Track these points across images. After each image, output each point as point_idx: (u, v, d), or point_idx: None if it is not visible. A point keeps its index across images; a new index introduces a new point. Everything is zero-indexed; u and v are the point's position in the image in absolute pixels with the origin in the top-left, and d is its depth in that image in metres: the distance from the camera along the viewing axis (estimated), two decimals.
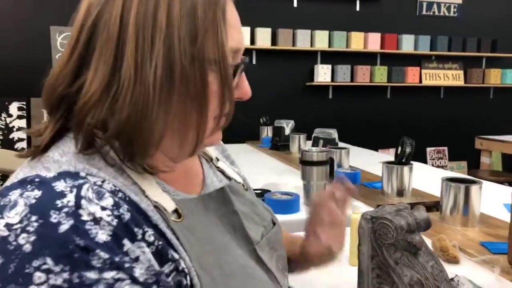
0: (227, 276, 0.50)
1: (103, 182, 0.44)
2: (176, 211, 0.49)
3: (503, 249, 0.96)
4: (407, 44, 4.14)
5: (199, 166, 0.63)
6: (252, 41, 3.78)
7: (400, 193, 1.44)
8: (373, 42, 4.05)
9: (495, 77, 4.42)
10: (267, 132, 3.00)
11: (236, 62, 0.51)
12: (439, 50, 4.25)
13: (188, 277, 0.45)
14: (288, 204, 1.34)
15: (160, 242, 0.44)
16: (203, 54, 0.46)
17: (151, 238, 0.44)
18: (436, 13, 4.35)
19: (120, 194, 0.44)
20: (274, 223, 0.67)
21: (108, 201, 0.42)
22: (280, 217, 1.32)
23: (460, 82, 4.39)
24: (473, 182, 1.20)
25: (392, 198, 1.45)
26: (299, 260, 0.75)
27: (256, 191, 1.47)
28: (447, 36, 4.29)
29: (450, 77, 4.37)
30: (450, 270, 0.90)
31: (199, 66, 0.46)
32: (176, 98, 0.46)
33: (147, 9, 0.44)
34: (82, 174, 0.44)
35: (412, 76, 4.20)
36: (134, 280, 0.40)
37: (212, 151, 0.68)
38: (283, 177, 1.77)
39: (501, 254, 0.94)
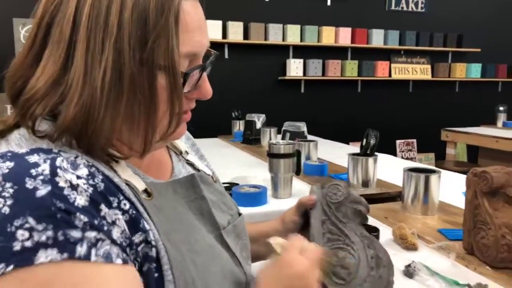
0: (195, 253, 0.51)
1: (76, 157, 0.45)
2: (145, 191, 0.51)
3: (459, 235, 1.00)
4: (377, 38, 4.22)
5: (168, 159, 0.65)
6: (224, 35, 3.77)
7: (365, 183, 1.48)
8: (344, 36, 4.11)
9: (460, 71, 4.56)
10: (239, 126, 3.00)
11: (193, 65, 0.51)
12: (407, 44, 4.35)
13: (154, 250, 0.46)
14: (255, 197, 1.35)
15: (134, 212, 0.46)
16: (152, 59, 0.46)
17: (126, 207, 0.46)
18: (405, 9, 4.44)
19: (93, 169, 0.46)
20: (239, 214, 0.69)
21: (83, 171, 0.44)
22: (248, 210, 1.35)
23: (428, 76, 4.52)
24: (433, 171, 1.23)
25: (357, 188, 1.48)
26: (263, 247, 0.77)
27: (224, 185, 1.48)
28: (415, 31, 4.40)
29: (418, 71, 4.49)
30: (409, 256, 0.93)
31: (148, 72, 0.46)
32: (125, 102, 0.46)
33: (99, 13, 0.44)
34: (55, 150, 0.45)
35: (382, 70, 4.29)
36: (113, 241, 0.42)
37: (181, 145, 0.70)
38: (252, 170, 1.78)
39: (457, 241, 0.98)
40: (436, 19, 4.52)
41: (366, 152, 1.47)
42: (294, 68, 3.99)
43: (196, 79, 0.52)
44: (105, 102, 0.44)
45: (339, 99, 4.32)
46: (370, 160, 1.47)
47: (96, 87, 0.44)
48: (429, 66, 4.52)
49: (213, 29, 3.69)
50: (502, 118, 3.76)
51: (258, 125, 2.59)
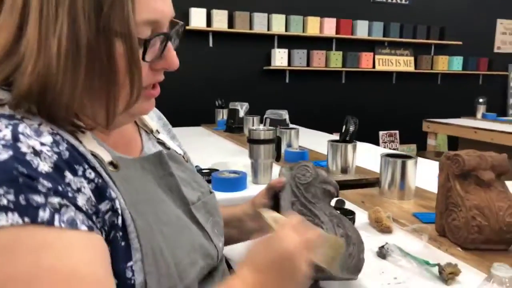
0: (163, 224, 0.51)
1: (40, 124, 0.45)
2: (112, 163, 0.50)
3: (433, 218, 1.02)
4: (361, 29, 4.24)
5: (138, 137, 0.64)
6: (209, 23, 3.73)
7: (344, 170, 1.49)
8: (329, 27, 4.11)
9: (442, 64, 4.62)
10: (222, 115, 2.99)
11: (154, 33, 0.50)
12: (391, 36, 4.38)
13: (121, 218, 0.46)
14: (234, 182, 1.35)
15: (100, 181, 0.46)
16: (108, 27, 0.45)
17: (91, 176, 0.45)
18: (389, 0, 4.46)
19: (58, 137, 0.45)
20: (211, 193, 0.69)
21: (47, 139, 0.43)
22: (227, 195, 1.35)
23: (411, 68, 4.56)
24: (409, 157, 1.25)
25: (336, 175, 1.49)
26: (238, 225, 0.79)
27: (204, 171, 1.47)
28: (399, 23, 4.43)
29: (401, 63, 4.53)
30: (383, 239, 0.94)
31: (105, 40, 0.45)
32: (83, 71, 0.45)
33: None
34: (18, 116, 0.44)
35: (366, 61, 4.31)
36: (78, 208, 0.42)
37: (152, 123, 0.69)
38: (233, 157, 1.77)
39: (430, 224, 1.00)
40: (419, 11, 4.55)
41: (345, 139, 1.49)
42: (279, 58, 3.98)
43: (160, 48, 0.51)
44: (62, 71, 0.43)
45: (324, 89, 4.34)
46: (349, 146, 1.48)
47: (51, 57, 0.43)
48: (412, 58, 4.56)
49: (197, 17, 3.65)
50: (481, 110, 3.83)
51: (241, 113, 2.58)
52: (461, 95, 4.82)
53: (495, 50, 5.06)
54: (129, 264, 0.46)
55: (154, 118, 0.72)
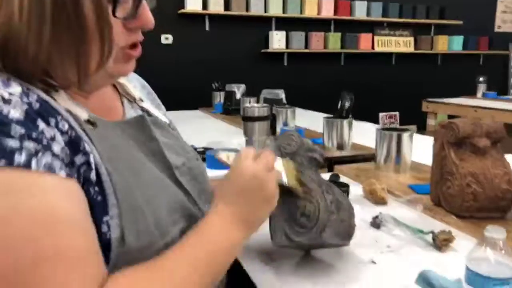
0: (143, 184, 0.50)
1: (8, 78, 0.43)
2: (89, 121, 0.49)
3: (427, 189, 1.00)
4: (360, 10, 4.18)
5: (120, 105, 0.63)
6: (205, 6, 3.68)
7: (340, 146, 1.48)
8: (327, 8, 4.05)
9: (442, 44, 4.57)
10: (219, 98, 2.96)
11: None
12: (390, 17, 4.32)
13: (94, 173, 0.45)
14: None
15: (73, 133, 0.45)
16: None
17: (65, 127, 0.44)
18: None
19: (27, 89, 0.43)
20: (197, 160, 0.67)
21: (16, 89, 0.42)
22: (221, 173, 1.33)
23: (411, 49, 4.51)
24: (405, 130, 1.23)
25: (332, 151, 1.47)
26: None
27: (198, 149, 1.46)
28: (398, 3, 4.36)
29: (401, 43, 4.48)
30: (378, 210, 0.93)
31: None
32: (49, 27, 0.43)
33: None
34: None
35: (365, 42, 4.26)
36: (54, 155, 0.41)
37: (135, 92, 0.67)
38: (229, 138, 1.76)
39: (425, 194, 0.98)
40: None
41: (341, 114, 1.47)
42: (277, 40, 3.93)
43: (133, 6, 0.49)
44: (26, 24, 0.42)
45: (322, 72, 4.30)
46: (345, 122, 1.47)
47: (13, 12, 0.42)
48: (412, 39, 4.51)
49: (193, 0, 3.60)
50: (482, 89, 3.79)
51: (238, 95, 2.56)
52: (461, 76, 4.77)
53: (496, 29, 4.99)
54: (105, 218, 0.45)
55: (137, 87, 0.70)
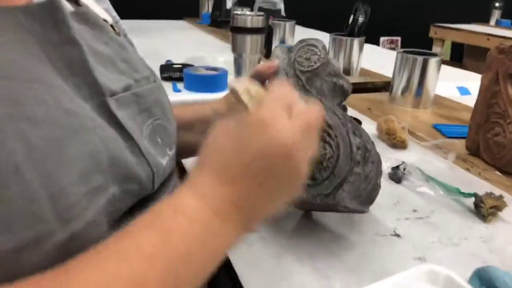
0: (31, 122, 0.27)
1: None
2: None
3: (460, 132, 0.80)
4: None
5: None
6: None
7: (347, 71, 1.23)
8: None
9: None
10: (208, 7, 2.60)
11: None
12: None
13: None
14: (212, 81, 1.09)
15: None
16: None
17: None
18: None
19: None
20: (154, 82, 0.44)
21: None
22: (202, 96, 1.09)
23: None
24: (433, 55, 0.99)
25: None
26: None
27: (175, 66, 1.20)
28: None
29: None
30: (396, 156, 0.73)
31: None
32: None
33: None
34: None
35: None
36: None
37: None
38: (214, 53, 1.49)
39: (457, 138, 0.78)
40: None
41: (352, 31, 1.20)
42: None
43: None
44: None
45: None
46: (356, 42, 1.21)
47: None
48: None
49: None
50: (496, 15, 3.46)
51: (229, 4, 2.21)
52: (474, 0, 4.37)
53: None
54: None
55: None
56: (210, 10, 2.56)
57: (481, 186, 0.65)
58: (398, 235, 0.53)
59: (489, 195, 0.57)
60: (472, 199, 0.58)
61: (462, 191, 0.60)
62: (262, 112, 0.31)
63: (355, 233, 0.53)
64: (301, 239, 0.51)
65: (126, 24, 0.52)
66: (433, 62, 0.96)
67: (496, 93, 0.67)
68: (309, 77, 0.47)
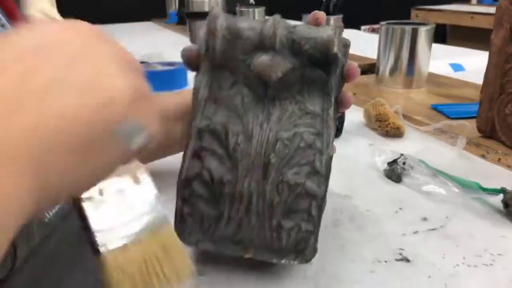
0: None
1: None
2: None
3: (466, 111, 0.65)
4: None
5: None
6: None
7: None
8: None
9: None
10: (174, 5, 2.44)
11: None
12: None
13: None
14: (168, 77, 0.93)
15: None
16: None
17: None
18: None
19: None
20: None
21: None
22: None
23: None
24: (422, 24, 0.84)
25: None
26: None
27: None
28: None
29: None
30: (391, 147, 0.57)
31: None
32: None
33: None
34: None
35: None
36: None
37: None
38: (175, 49, 1.33)
39: (464, 119, 0.63)
40: None
41: (327, 9, 1.05)
42: None
43: None
44: None
45: None
46: (332, 21, 1.06)
47: None
48: None
49: None
50: None
51: None
52: None
53: None
54: None
55: None
56: (176, 8, 2.40)
57: (507, 177, 0.50)
58: (406, 259, 0.37)
59: None
60: (499, 196, 0.43)
61: (483, 186, 0.45)
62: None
63: (346, 263, 0.37)
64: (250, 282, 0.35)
65: None
66: (424, 31, 0.81)
67: (510, 56, 0.52)
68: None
